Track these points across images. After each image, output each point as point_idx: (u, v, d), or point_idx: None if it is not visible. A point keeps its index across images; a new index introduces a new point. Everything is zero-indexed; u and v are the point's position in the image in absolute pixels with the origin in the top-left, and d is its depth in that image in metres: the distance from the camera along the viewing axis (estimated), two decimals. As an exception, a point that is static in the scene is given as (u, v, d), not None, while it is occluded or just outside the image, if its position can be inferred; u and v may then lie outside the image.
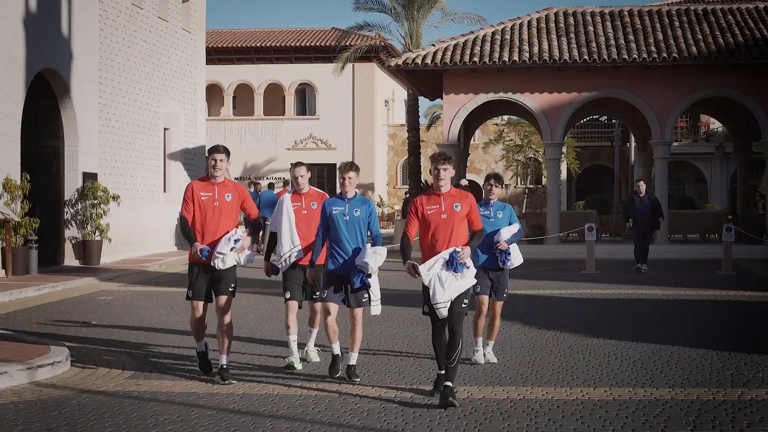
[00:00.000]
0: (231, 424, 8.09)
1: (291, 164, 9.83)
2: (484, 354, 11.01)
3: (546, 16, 33.65)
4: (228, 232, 9.90)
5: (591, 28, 32.33)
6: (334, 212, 9.80)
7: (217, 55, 46.32)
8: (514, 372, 10.43)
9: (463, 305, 8.90)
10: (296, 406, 8.79)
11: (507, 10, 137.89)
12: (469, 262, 9.12)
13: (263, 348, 12.23)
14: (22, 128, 21.89)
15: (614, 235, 34.73)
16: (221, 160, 9.94)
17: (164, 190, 30.94)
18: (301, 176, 10.58)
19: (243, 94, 50.16)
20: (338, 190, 10.34)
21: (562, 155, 35.64)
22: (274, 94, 49.91)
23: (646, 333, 13.02)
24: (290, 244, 10.50)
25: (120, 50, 27.25)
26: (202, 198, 9.87)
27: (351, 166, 9.89)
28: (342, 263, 9.83)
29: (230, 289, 9.94)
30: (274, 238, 10.96)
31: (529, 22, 33.21)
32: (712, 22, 32.45)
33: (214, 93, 47.72)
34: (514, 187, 51.60)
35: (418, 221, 9.15)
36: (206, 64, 35.92)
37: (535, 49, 31.04)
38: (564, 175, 32.31)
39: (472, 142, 41.66)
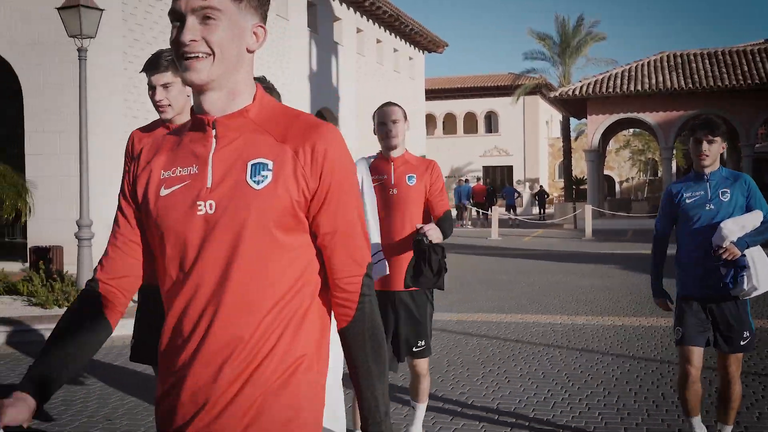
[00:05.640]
0: None
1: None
2: None
3: (660, 57, 32.23)
4: None
5: (693, 65, 30.77)
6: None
7: (432, 94, 46.48)
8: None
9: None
10: None
11: (632, 54, 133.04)
12: None
13: None
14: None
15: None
16: (165, 86, 3.43)
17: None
18: (393, 121, 4.04)
19: (449, 120, 50.19)
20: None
21: (673, 155, 34.15)
22: (470, 119, 49.71)
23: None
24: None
25: (370, 93, 27.76)
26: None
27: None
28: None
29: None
30: None
31: (648, 62, 31.91)
32: (785, 57, 30.36)
33: (429, 119, 47.86)
34: (638, 179, 49.73)
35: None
36: (425, 100, 36.12)
37: (653, 81, 29.86)
38: (674, 169, 31.15)
39: (608, 148, 40.36)
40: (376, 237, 3.85)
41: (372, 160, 4.20)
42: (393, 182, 4.04)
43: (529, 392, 5.69)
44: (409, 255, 3.89)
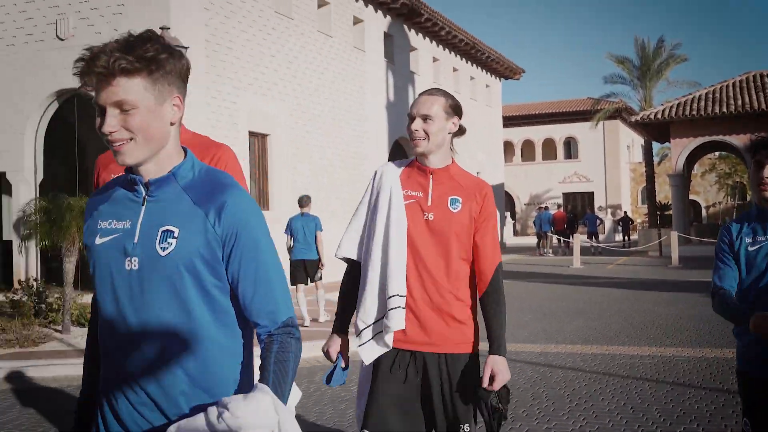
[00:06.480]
0: None
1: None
2: None
3: (746, 78, 31.28)
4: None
5: (783, 85, 29.77)
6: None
7: (509, 121, 46.27)
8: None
9: None
10: None
11: (715, 75, 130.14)
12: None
13: None
14: (386, 176, 22.81)
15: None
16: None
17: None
18: (424, 116, 2.81)
19: (527, 146, 49.79)
20: None
21: (763, 178, 33.03)
22: (548, 145, 49.20)
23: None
24: (387, 292, 2.74)
25: (446, 122, 27.90)
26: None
27: None
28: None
29: None
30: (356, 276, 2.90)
31: (734, 83, 31.02)
32: None
33: (507, 146, 47.62)
34: (726, 204, 48.14)
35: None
36: (502, 127, 35.97)
37: (739, 102, 28.97)
38: (764, 192, 30.13)
39: (692, 172, 39.29)
40: (400, 275, 2.74)
41: (403, 167, 2.91)
42: (430, 203, 2.78)
43: (618, 428, 5.49)
44: (442, 308, 2.76)
